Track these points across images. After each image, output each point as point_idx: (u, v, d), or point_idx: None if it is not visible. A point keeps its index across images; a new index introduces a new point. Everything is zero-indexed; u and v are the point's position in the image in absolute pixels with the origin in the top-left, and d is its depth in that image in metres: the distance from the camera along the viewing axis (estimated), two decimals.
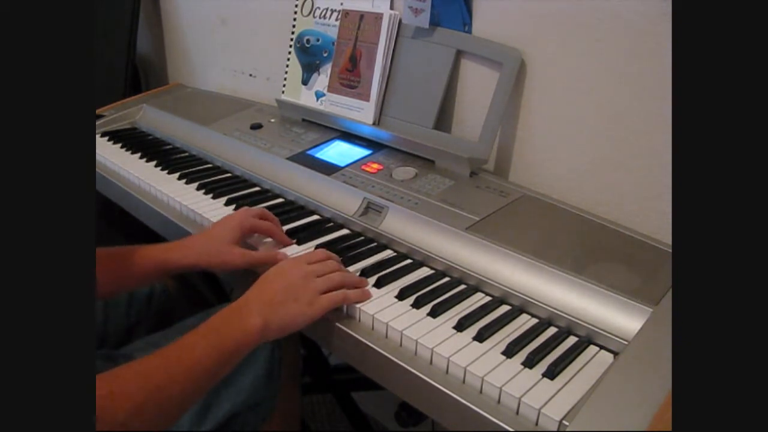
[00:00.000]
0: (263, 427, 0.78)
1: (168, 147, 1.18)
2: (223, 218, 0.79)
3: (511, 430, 0.50)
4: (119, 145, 1.18)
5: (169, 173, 1.03)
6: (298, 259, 0.69)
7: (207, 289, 1.20)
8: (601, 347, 0.60)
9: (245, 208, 0.84)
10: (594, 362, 0.58)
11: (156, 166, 1.07)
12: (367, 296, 0.66)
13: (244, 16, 1.39)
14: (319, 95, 1.13)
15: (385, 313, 0.63)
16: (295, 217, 0.87)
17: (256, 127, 1.14)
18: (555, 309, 0.63)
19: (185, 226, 0.89)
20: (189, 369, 0.56)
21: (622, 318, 0.60)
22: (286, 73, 1.19)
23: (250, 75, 1.42)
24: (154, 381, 0.53)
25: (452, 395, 0.54)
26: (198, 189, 0.97)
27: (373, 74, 1.02)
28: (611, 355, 0.59)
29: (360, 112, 1.04)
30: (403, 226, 0.79)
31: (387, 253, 0.77)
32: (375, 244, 0.80)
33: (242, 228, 0.76)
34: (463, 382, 0.55)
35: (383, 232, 0.80)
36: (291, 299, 0.63)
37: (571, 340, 0.61)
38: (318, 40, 1.13)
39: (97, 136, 1.23)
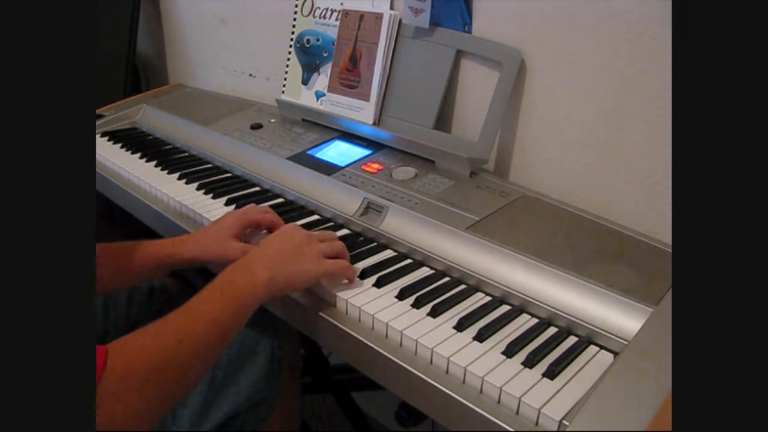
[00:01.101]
0: (263, 427, 0.78)
1: (168, 147, 1.18)
2: (224, 214, 0.79)
3: (511, 430, 0.50)
4: (119, 145, 1.18)
5: (169, 173, 1.03)
6: (298, 226, 0.71)
7: None
8: (601, 347, 0.60)
9: (252, 204, 0.84)
10: (594, 362, 0.58)
11: (156, 166, 1.07)
12: (353, 275, 0.69)
13: (244, 16, 1.39)
14: (319, 95, 1.13)
15: (385, 313, 0.63)
16: (295, 217, 0.87)
17: (256, 127, 1.14)
18: (555, 309, 0.63)
19: (185, 226, 0.89)
20: (206, 323, 0.57)
21: (622, 318, 0.60)
22: (286, 73, 1.19)
23: (250, 75, 1.42)
24: (170, 340, 0.54)
25: (452, 395, 0.54)
26: (198, 189, 0.97)
27: (373, 74, 1.02)
28: (611, 355, 0.59)
29: (360, 112, 1.04)
30: (403, 226, 0.79)
31: (387, 253, 0.77)
32: (375, 244, 0.80)
33: (242, 222, 0.76)
34: (463, 382, 0.55)
35: (383, 232, 0.80)
36: (296, 255, 0.65)
37: (571, 340, 0.61)
38: (318, 40, 1.13)
39: (97, 136, 1.23)
